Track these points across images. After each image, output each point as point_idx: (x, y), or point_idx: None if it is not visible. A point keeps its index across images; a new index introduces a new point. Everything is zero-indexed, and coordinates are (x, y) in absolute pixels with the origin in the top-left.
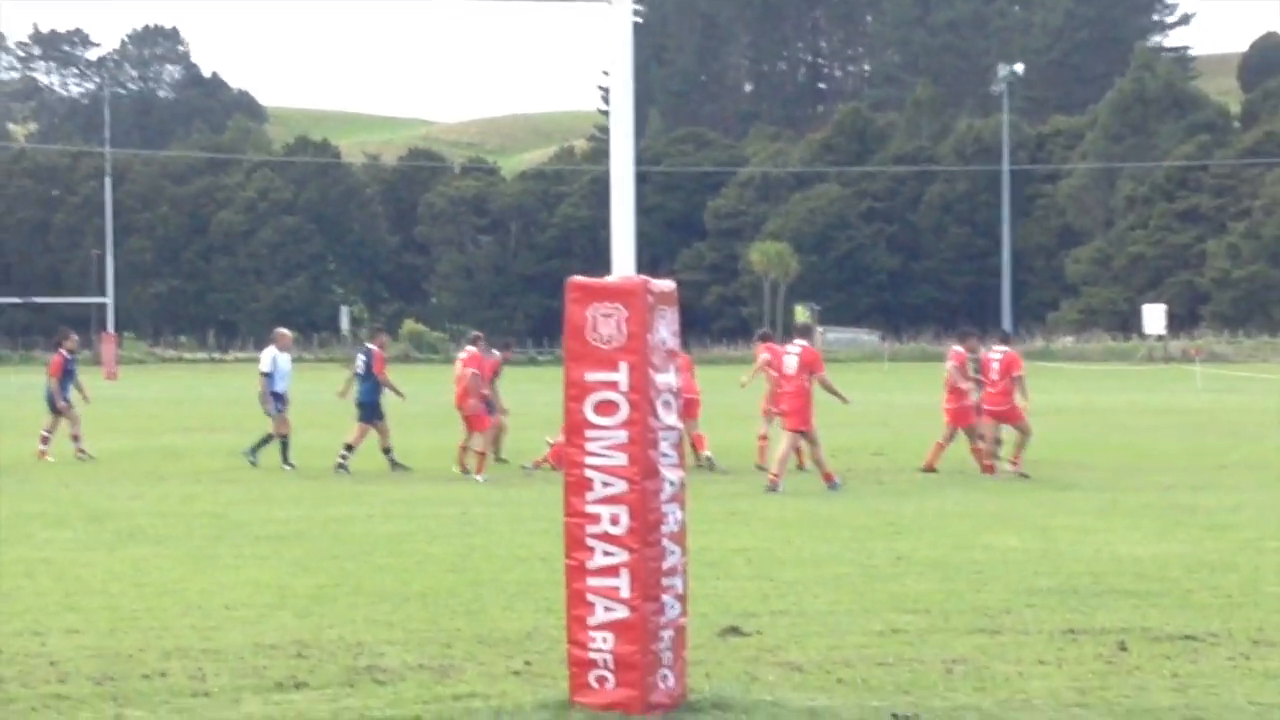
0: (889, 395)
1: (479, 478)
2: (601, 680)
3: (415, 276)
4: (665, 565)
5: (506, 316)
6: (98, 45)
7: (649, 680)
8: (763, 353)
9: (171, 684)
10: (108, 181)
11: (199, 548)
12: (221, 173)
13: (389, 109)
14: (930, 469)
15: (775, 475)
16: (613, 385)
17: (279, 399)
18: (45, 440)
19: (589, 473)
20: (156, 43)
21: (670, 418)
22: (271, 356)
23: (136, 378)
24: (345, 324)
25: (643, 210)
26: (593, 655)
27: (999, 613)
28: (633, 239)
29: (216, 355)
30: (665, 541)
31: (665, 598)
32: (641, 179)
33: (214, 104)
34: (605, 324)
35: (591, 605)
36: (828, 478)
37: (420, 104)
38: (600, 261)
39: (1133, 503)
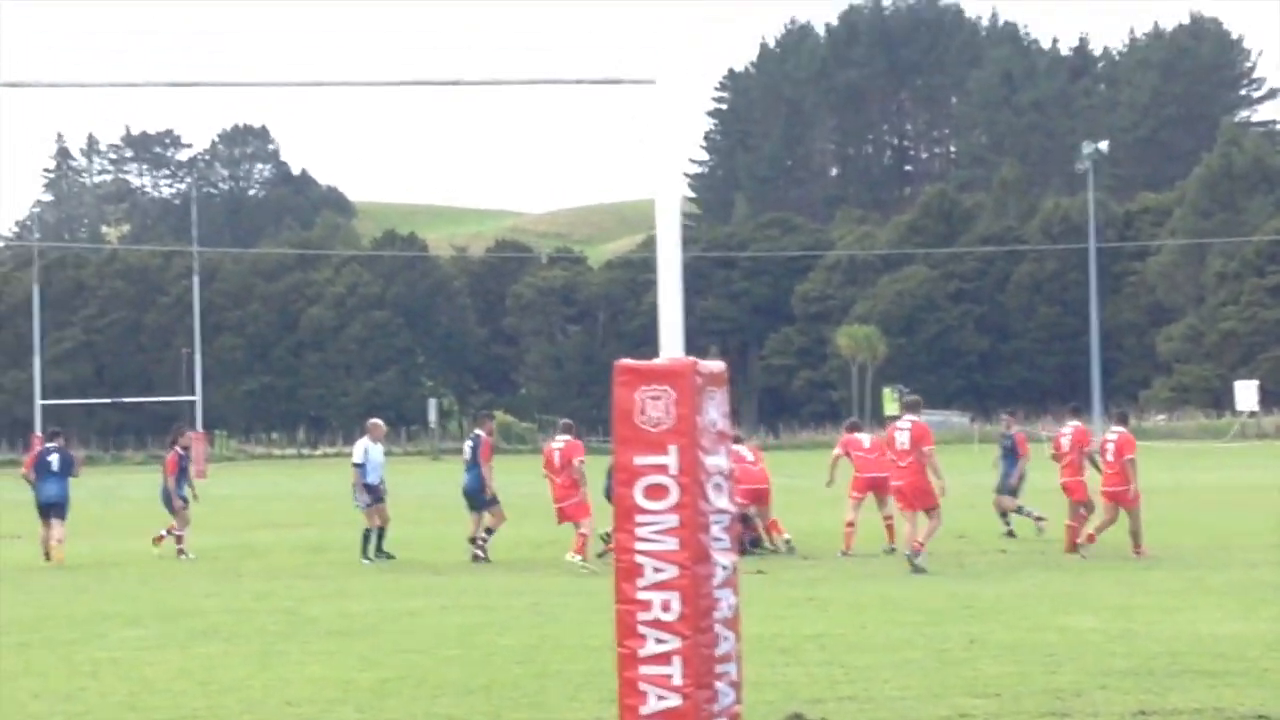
0: (977, 477)
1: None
2: None
3: (504, 368)
4: (719, 652)
5: (595, 405)
6: (189, 146)
7: None
8: (838, 447)
9: None
10: (195, 280)
11: (268, 644)
12: (310, 269)
13: (476, 201)
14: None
15: (920, 544)
16: (662, 469)
17: (372, 490)
18: (179, 539)
19: (639, 558)
20: (247, 142)
21: (722, 500)
22: (364, 448)
23: (225, 475)
24: (433, 416)
25: (730, 296)
26: None
27: (1070, 695)
28: (680, 320)
29: (305, 451)
30: (718, 627)
31: (719, 685)
32: (729, 264)
33: (303, 201)
34: (654, 407)
35: (644, 694)
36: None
37: (507, 196)
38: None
39: (1217, 581)
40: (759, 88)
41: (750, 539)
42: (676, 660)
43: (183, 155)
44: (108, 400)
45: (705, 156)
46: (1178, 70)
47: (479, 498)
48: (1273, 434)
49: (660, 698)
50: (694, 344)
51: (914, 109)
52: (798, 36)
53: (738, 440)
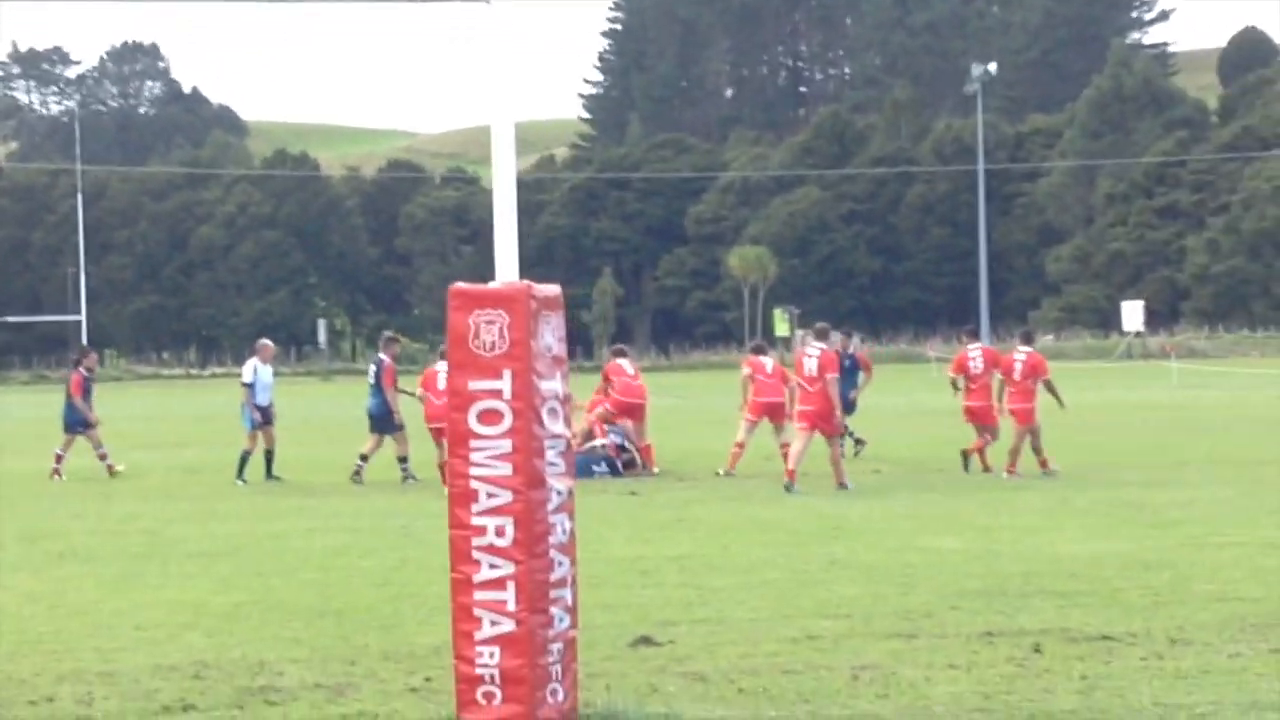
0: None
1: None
2: (489, 696)
3: (397, 288)
4: (553, 577)
5: None
6: (78, 63)
7: (537, 695)
8: (744, 366)
9: (57, 709)
10: (79, 198)
11: (126, 567)
12: (201, 188)
13: (371, 121)
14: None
15: (792, 472)
16: (496, 394)
17: (262, 412)
18: (59, 459)
19: (474, 484)
20: (136, 59)
21: (557, 425)
22: (253, 368)
23: (111, 396)
24: (323, 337)
25: (624, 216)
26: (479, 671)
27: (920, 616)
28: (514, 243)
29: (194, 371)
30: (553, 553)
31: (554, 610)
32: (622, 185)
33: (194, 119)
34: (488, 331)
35: (478, 620)
36: (841, 481)
37: (402, 116)
38: (582, 269)
39: (1083, 501)
40: (654, 7)
41: (625, 460)
42: (510, 585)
43: (71, 72)
44: None
45: (599, 77)
46: None
47: (385, 422)
48: (1157, 354)
49: (494, 623)
50: (587, 265)
51: (808, 30)
52: None
53: (622, 354)
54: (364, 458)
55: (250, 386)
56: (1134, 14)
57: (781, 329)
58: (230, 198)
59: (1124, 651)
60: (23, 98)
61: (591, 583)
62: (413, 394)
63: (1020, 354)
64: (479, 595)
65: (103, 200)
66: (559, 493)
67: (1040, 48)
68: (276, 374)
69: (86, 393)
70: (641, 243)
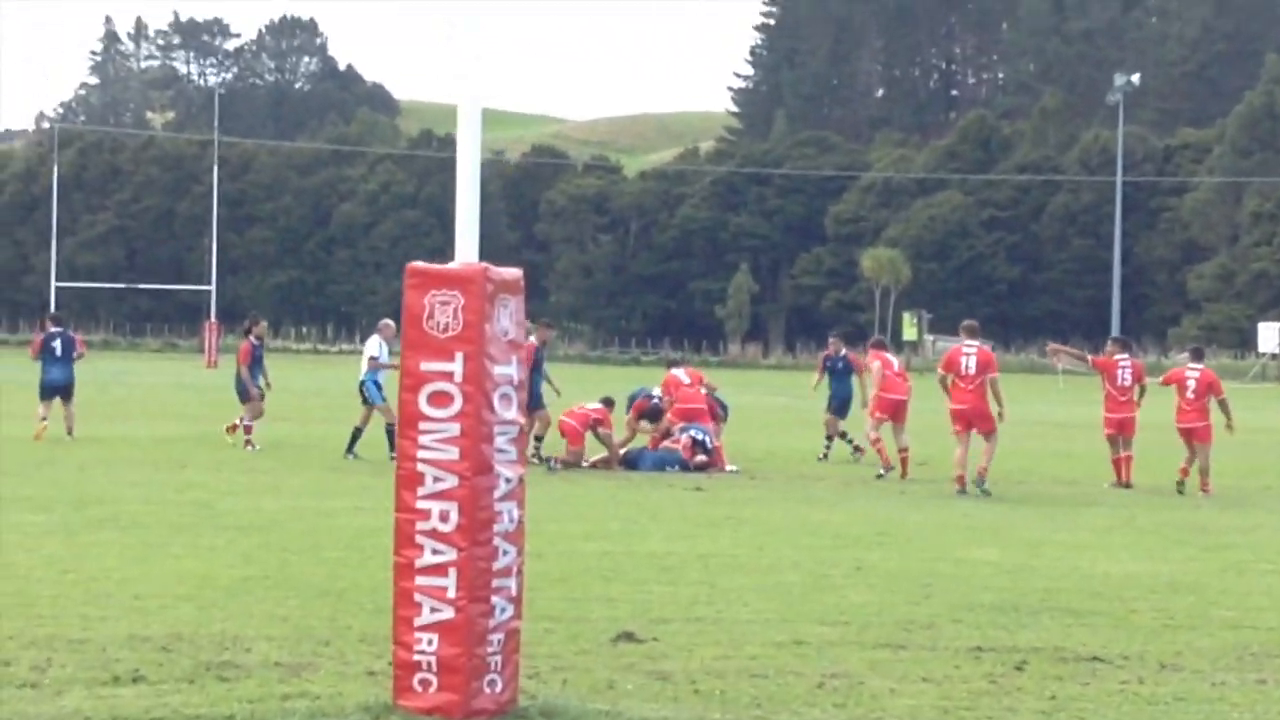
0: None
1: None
2: (425, 684)
3: (534, 274)
4: (497, 566)
5: (624, 316)
6: (237, 35)
7: (473, 685)
8: (874, 360)
9: (9, 674)
10: (215, 170)
11: (161, 536)
12: (345, 165)
13: (521, 106)
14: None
15: (983, 468)
16: (448, 376)
17: (379, 388)
18: (248, 429)
19: (420, 466)
20: (294, 34)
21: (509, 411)
22: (378, 344)
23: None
24: None
25: (764, 213)
26: (417, 657)
27: (919, 628)
28: (476, 223)
29: (321, 347)
30: (498, 540)
31: (495, 599)
32: (764, 181)
33: (347, 96)
34: (442, 312)
35: (418, 605)
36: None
37: (552, 102)
38: (720, 263)
39: (1147, 521)
40: (808, 3)
41: (697, 463)
42: (452, 572)
43: (230, 45)
44: (121, 285)
45: (750, 71)
46: (1230, 5)
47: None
48: None
49: (434, 609)
50: (724, 259)
51: (963, 33)
52: None
53: (881, 345)
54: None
55: (376, 358)
56: None
57: (910, 333)
58: (374, 176)
59: (1108, 674)
60: (182, 68)
61: (605, 575)
62: (555, 388)
63: (1193, 370)
64: (420, 580)
65: (249, 174)
66: (507, 480)
67: (1197, 60)
68: (394, 353)
69: (256, 360)
70: (780, 240)
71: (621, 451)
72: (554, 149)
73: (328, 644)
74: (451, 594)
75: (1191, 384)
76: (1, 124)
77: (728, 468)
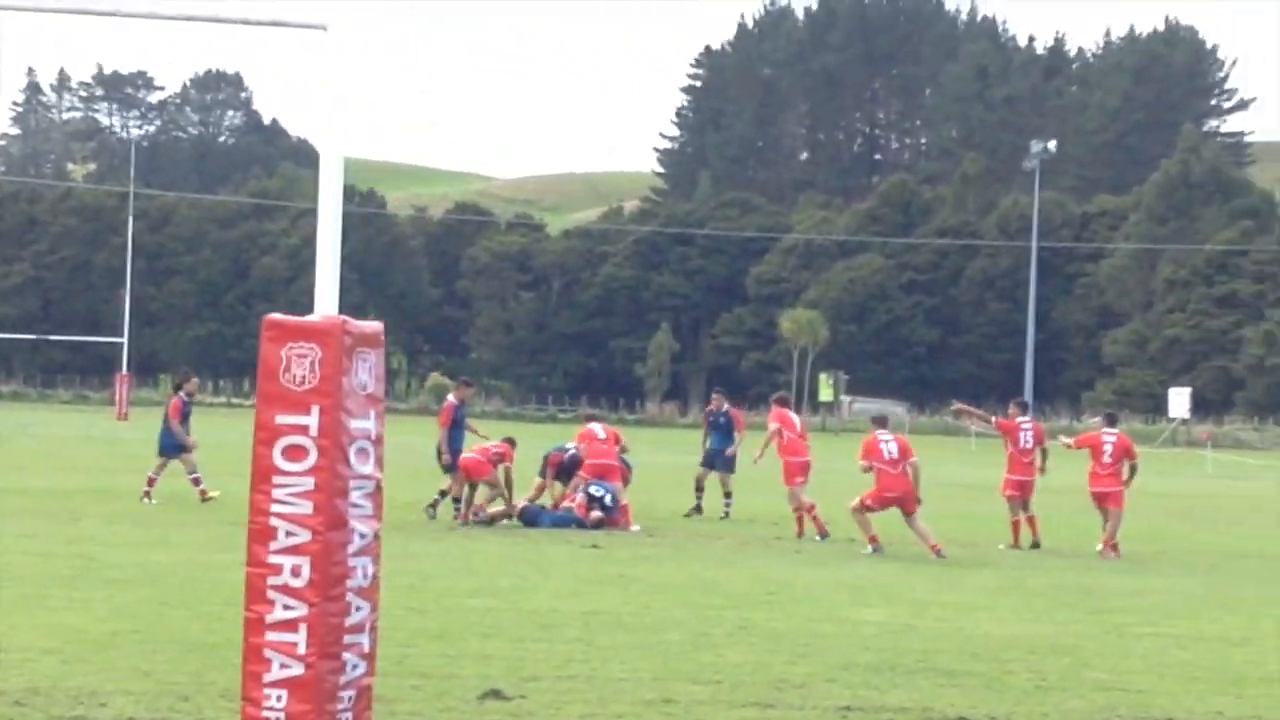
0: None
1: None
2: None
3: (455, 330)
4: (349, 622)
5: (545, 373)
6: (161, 88)
7: None
8: (773, 421)
9: None
10: (130, 222)
11: (36, 589)
12: (267, 219)
13: (446, 163)
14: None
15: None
16: (303, 429)
17: None
18: (151, 483)
19: (273, 521)
20: (219, 87)
21: (366, 466)
22: None
23: (148, 420)
24: None
25: (686, 272)
26: (266, 714)
27: (791, 687)
28: (336, 276)
29: (235, 400)
30: (351, 596)
31: (347, 656)
32: (686, 241)
33: (272, 151)
34: (299, 364)
35: (268, 661)
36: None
37: (478, 160)
38: (642, 322)
39: (1038, 583)
40: (734, 67)
41: (594, 520)
42: (303, 628)
43: (154, 97)
44: (32, 336)
45: (675, 132)
46: (1150, 75)
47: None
48: (1200, 442)
49: (284, 665)
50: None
51: (887, 98)
52: (776, 18)
53: (785, 403)
54: (441, 494)
55: None
56: (1214, 101)
57: (826, 393)
58: (295, 230)
59: None
60: (105, 120)
61: (484, 632)
62: (481, 435)
63: (1109, 435)
64: (270, 636)
65: (168, 226)
66: (362, 535)
67: (1116, 129)
68: None
69: (185, 417)
70: (701, 299)
71: (522, 505)
72: (478, 206)
73: (187, 699)
74: (302, 650)
75: (1108, 448)
76: None
77: (632, 527)
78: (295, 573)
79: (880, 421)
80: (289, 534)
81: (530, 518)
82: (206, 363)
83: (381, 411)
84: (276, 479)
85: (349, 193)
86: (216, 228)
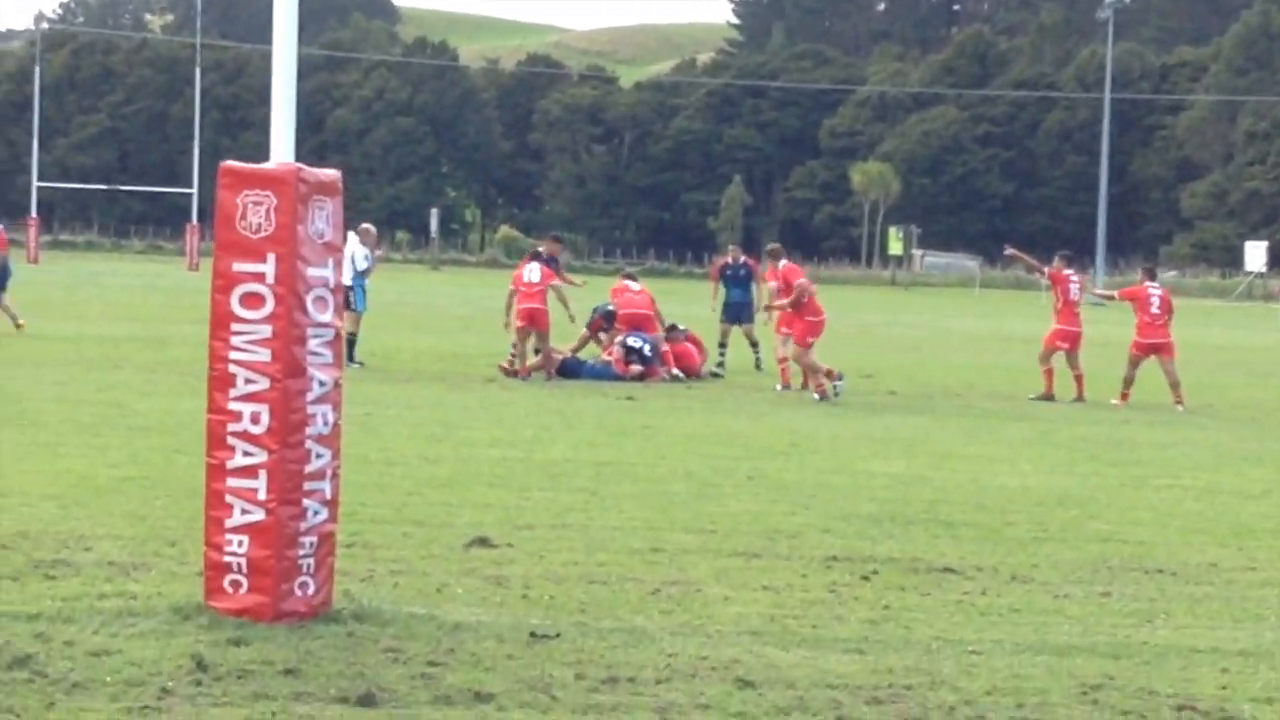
0: (945, 320)
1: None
2: (235, 585)
3: (528, 183)
4: (309, 469)
5: (617, 226)
6: None
7: (283, 587)
8: (771, 279)
9: None
10: (197, 72)
11: (53, 435)
12: (339, 71)
13: (522, 14)
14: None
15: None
16: (259, 277)
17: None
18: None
19: (232, 368)
20: None
21: (324, 314)
22: (363, 252)
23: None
24: (435, 226)
25: (758, 125)
26: (228, 559)
27: (785, 537)
28: (292, 123)
29: None
30: (310, 444)
31: (307, 502)
32: (759, 94)
33: (347, 2)
34: (255, 212)
35: (230, 507)
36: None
37: (554, 11)
38: (713, 175)
39: (1064, 435)
40: None
41: (634, 373)
42: (263, 474)
43: None
44: (104, 187)
45: None
46: None
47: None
48: (1276, 296)
49: (245, 511)
50: (718, 171)
51: None
52: None
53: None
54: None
55: (362, 272)
56: None
57: (895, 247)
58: (368, 82)
59: (954, 585)
60: None
61: (489, 482)
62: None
63: (1154, 288)
64: (231, 482)
65: (241, 78)
66: (321, 383)
67: None
68: (388, 260)
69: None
70: (774, 153)
71: (561, 357)
72: (551, 59)
73: (174, 544)
74: (262, 496)
75: (1155, 300)
76: (2, 24)
77: (671, 371)
78: (254, 419)
79: (1149, 273)
80: (248, 381)
81: (570, 369)
82: None
83: (340, 259)
84: (234, 326)
85: (420, 45)
86: None
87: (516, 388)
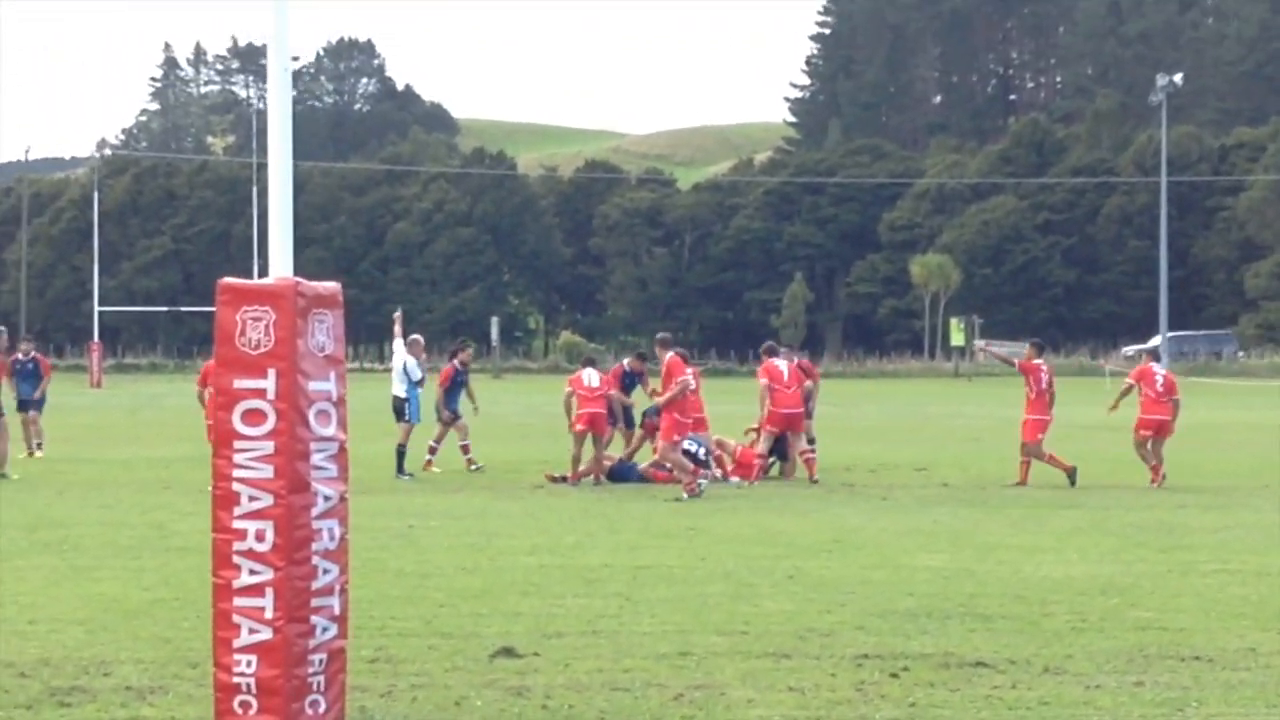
0: (1006, 410)
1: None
2: (245, 706)
3: (590, 288)
4: (316, 585)
5: (680, 328)
6: (295, 58)
7: (294, 706)
8: (762, 377)
9: None
10: (254, 191)
11: (92, 559)
12: (399, 184)
13: (579, 121)
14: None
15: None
16: (260, 393)
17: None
18: (432, 450)
19: (236, 486)
20: (352, 55)
21: (328, 428)
22: (415, 363)
23: None
24: (495, 334)
25: (817, 221)
26: (236, 679)
27: (817, 635)
28: (290, 238)
29: (368, 365)
30: (317, 559)
31: (316, 619)
32: (816, 190)
33: (406, 116)
34: (254, 328)
35: (237, 627)
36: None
37: (611, 116)
38: (775, 273)
39: (1115, 522)
40: (863, 13)
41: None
42: (269, 592)
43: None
44: (164, 309)
45: (806, 81)
46: None
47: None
48: None
49: (252, 630)
50: (778, 270)
51: (1020, 37)
52: None
53: (773, 353)
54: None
55: (419, 383)
56: None
57: (957, 338)
58: (427, 195)
59: (985, 679)
60: (241, 92)
61: (524, 590)
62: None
63: (1158, 368)
64: (238, 601)
65: (302, 195)
66: (327, 498)
67: (1254, 60)
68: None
69: (456, 385)
70: (834, 248)
71: (610, 463)
72: (609, 163)
73: (195, 666)
74: (269, 614)
75: (1160, 378)
76: (67, 151)
77: (732, 479)
78: (259, 537)
79: (1153, 354)
80: (251, 499)
81: (620, 473)
82: (346, 329)
83: (343, 373)
84: (237, 444)
85: (479, 155)
86: (350, 195)
87: (565, 494)
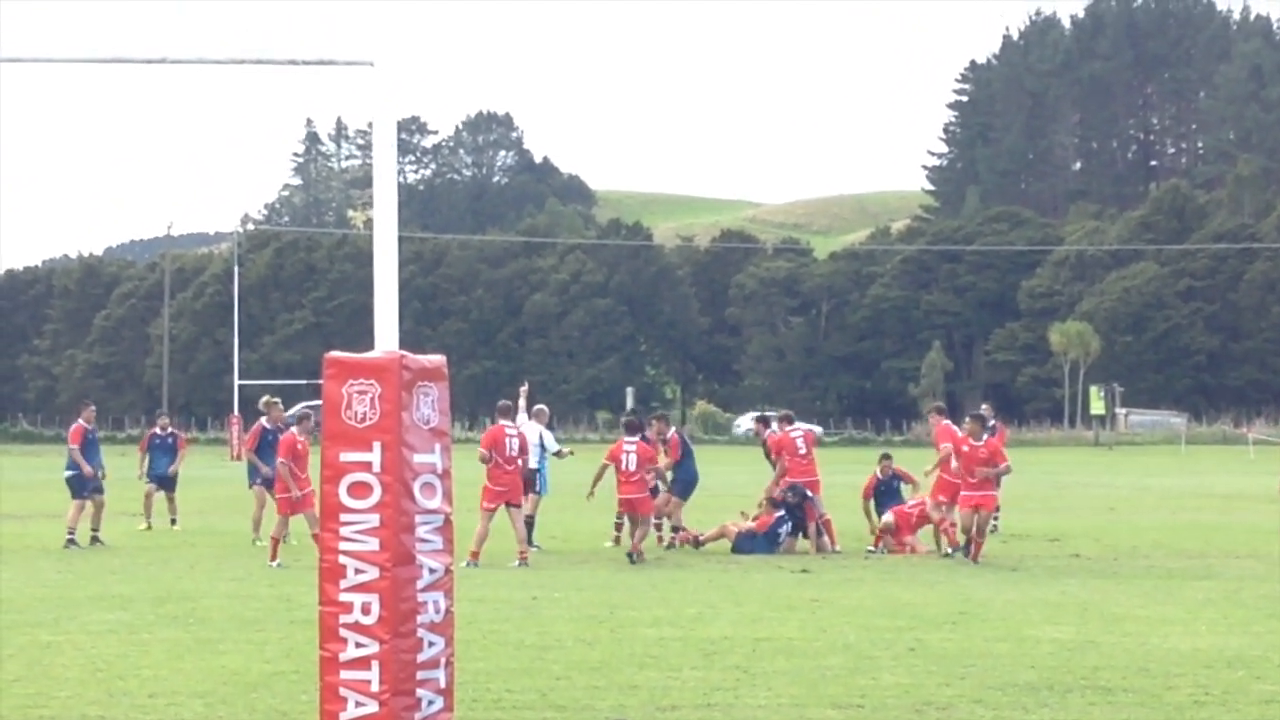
0: (1146, 479)
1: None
2: None
3: (726, 358)
4: (422, 657)
5: (818, 397)
6: (435, 132)
7: None
8: (776, 445)
9: None
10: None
11: (217, 632)
12: (536, 256)
13: (716, 191)
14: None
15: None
16: (366, 466)
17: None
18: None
19: (342, 559)
20: (491, 129)
21: (433, 501)
22: (547, 433)
23: None
24: (630, 404)
25: (955, 290)
26: None
27: (935, 709)
28: (395, 313)
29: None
30: (422, 632)
31: (421, 692)
32: (954, 258)
33: (544, 188)
34: (360, 401)
35: (344, 700)
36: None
37: (747, 186)
38: (912, 341)
39: (1250, 594)
40: (1001, 80)
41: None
42: (375, 665)
43: (428, 141)
44: (303, 382)
45: (944, 149)
46: None
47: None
48: None
49: (359, 704)
50: (916, 338)
51: (1160, 103)
52: (1042, 28)
53: (787, 420)
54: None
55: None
56: None
57: (1097, 407)
58: (564, 266)
59: None
60: None
61: (642, 662)
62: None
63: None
64: (345, 675)
65: (441, 267)
66: (432, 570)
67: None
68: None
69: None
70: (973, 316)
71: (737, 532)
72: (745, 233)
73: None
74: (375, 688)
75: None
76: (210, 227)
77: (834, 547)
78: (365, 610)
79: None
80: (357, 571)
81: (745, 546)
82: (482, 401)
83: (448, 445)
84: (343, 516)
85: (615, 226)
86: (488, 267)
87: (690, 565)
